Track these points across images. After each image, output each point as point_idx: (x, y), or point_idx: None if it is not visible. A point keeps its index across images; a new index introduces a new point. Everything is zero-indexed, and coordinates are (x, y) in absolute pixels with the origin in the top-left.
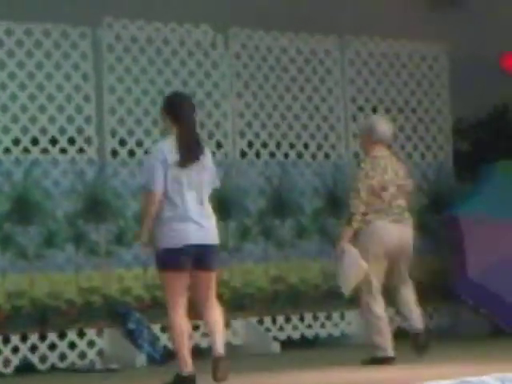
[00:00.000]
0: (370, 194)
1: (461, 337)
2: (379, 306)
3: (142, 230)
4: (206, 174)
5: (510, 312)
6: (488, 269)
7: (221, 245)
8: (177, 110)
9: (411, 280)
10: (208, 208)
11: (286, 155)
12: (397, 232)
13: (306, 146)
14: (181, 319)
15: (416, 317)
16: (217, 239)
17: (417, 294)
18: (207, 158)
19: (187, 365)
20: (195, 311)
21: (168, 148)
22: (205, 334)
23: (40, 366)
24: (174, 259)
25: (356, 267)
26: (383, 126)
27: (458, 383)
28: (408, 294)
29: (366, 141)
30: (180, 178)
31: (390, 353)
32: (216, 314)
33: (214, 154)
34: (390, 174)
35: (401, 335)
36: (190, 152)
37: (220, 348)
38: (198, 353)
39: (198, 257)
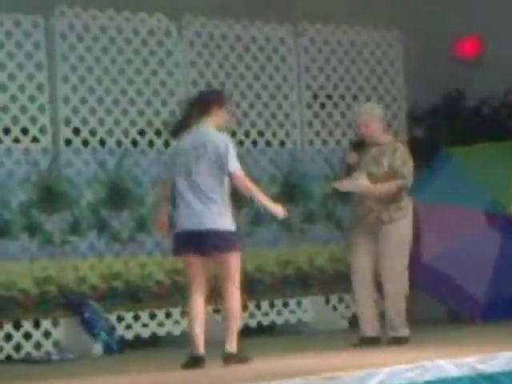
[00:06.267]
0: None
1: (417, 322)
2: None
3: None
4: None
5: (464, 296)
6: (441, 253)
7: None
8: (226, 101)
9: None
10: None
11: (241, 143)
12: None
13: (260, 133)
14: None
15: None
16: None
17: None
18: None
19: None
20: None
21: None
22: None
23: None
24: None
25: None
26: None
27: (413, 368)
28: None
29: None
30: None
31: None
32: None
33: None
34: None
35: None
36: None
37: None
38: None
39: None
